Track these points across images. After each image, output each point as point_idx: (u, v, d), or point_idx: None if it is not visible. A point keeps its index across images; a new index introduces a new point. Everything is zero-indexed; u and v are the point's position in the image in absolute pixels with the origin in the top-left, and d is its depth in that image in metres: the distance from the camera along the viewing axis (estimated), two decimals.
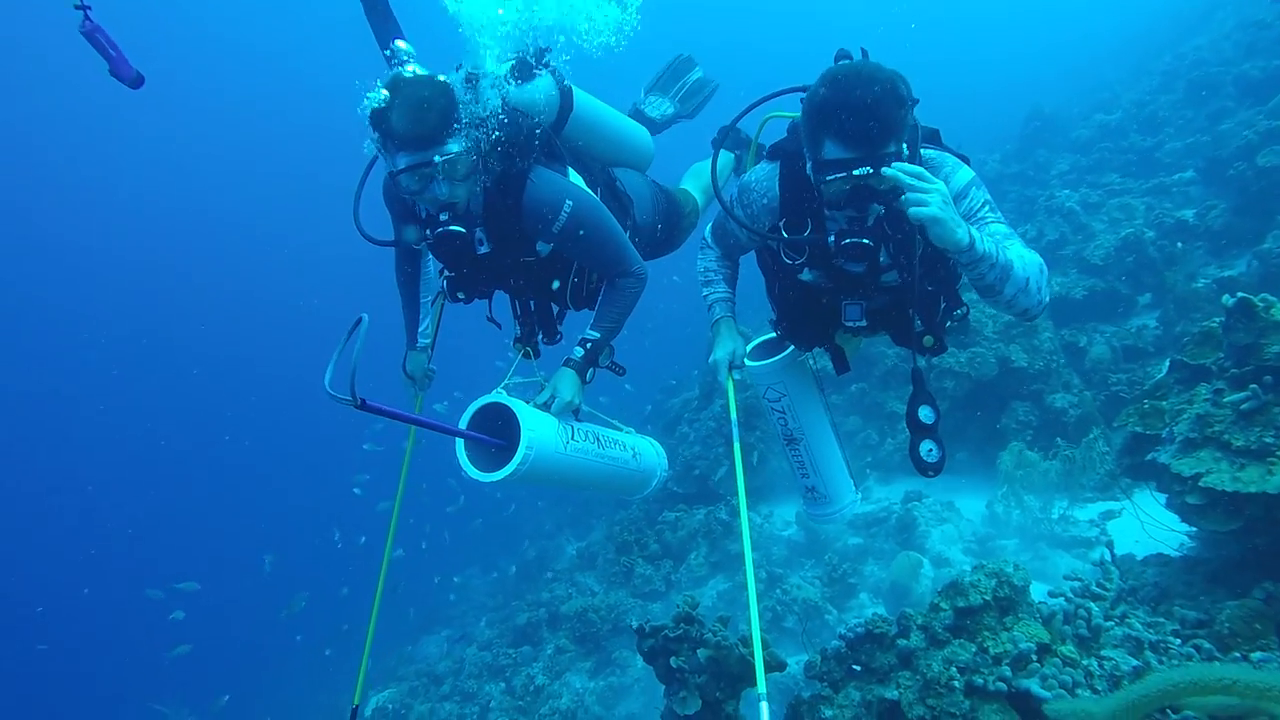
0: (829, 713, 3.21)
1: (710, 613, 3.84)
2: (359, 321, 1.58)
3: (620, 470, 2.80)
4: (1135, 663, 2.62)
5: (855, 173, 1.92)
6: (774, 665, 3.20)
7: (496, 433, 2.42)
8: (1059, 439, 5.94)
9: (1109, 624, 2.70)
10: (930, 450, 2.22)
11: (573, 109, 2.91)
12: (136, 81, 2.35)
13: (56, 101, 28.01)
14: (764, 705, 1.84)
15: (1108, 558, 3.36)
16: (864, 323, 2.40)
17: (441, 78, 2.33)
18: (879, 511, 6.80)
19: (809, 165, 2.09)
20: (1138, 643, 2.79)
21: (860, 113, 1.89)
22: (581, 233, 2.49)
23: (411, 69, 2.41)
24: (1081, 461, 5.30)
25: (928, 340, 2.28)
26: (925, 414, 2.24)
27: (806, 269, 2.37)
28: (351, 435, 13.62)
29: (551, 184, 2.48)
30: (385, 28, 2.75)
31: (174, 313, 30.04)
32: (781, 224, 2.34)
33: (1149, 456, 3.47)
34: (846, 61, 2.07)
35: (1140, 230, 7.44)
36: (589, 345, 2.64)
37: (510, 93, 2.62)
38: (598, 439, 2.69)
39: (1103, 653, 2.60)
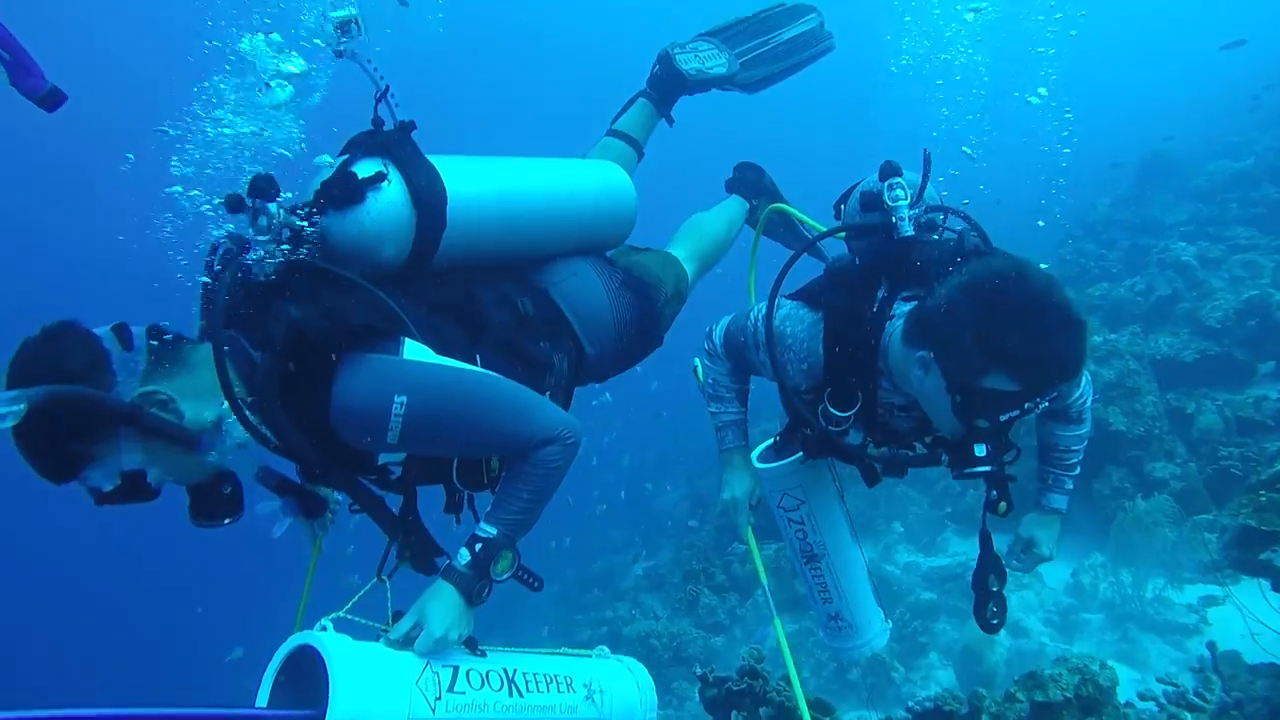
0: None
1: (775, 655, 3.77)
2: None
3: None
4: None
5: (1026, 405, 1.61)
6: None
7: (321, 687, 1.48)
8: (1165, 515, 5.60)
9: None
10: (994, 614, 2.14)
11: (445, 224, 1.89)
12: (52, 97, 1.72)
13: None
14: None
15: (1208, 659, 3.15)
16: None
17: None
18: (955, 566, 6.56)
19: (947, 386, 1.68)
20: None
21: (1071, 369, 1.58)
22: (433, 429, 1.65)
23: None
24: (1186, 542, 4.98)
25: (1001, 507, 2.01)
26: (995, 582, 2.14)
27: (852, 432, 2.15)
28: None
29: (366, 383, 1.57)
30: None
31: None
32: (827, 395, 2.03)
33: (1263, 555, 3.25)
34: (1012, 274, 1.59)
35: (1267, 292, 6.94)
36: (478, 547, 1.71)
37: (330, 227, 1.76)
38: (509, 682, 1.76)
39: None
